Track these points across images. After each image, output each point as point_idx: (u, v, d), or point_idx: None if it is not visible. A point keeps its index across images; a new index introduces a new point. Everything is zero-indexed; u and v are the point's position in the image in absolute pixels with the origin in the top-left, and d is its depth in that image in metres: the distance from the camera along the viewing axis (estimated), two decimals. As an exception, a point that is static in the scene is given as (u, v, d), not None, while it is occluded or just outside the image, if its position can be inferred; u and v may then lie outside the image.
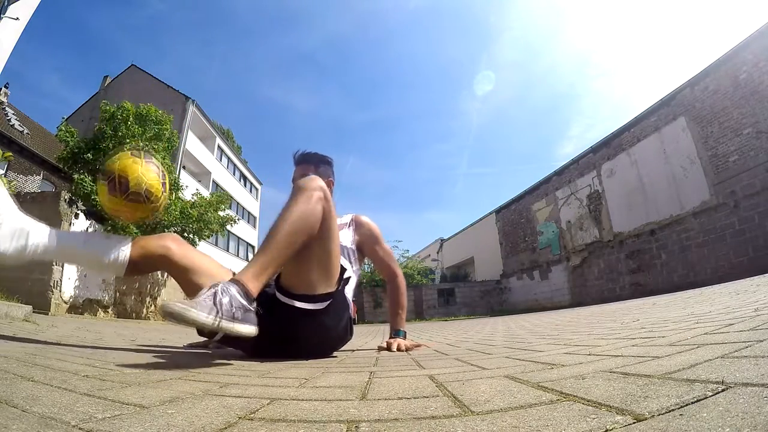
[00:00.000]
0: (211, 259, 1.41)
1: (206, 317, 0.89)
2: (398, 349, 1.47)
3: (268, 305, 1.18)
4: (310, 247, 1.19)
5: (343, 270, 1.29)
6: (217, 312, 0.91)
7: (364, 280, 17.35)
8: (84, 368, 0.86)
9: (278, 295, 1.23)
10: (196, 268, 1.30)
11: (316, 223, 1.14)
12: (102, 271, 1.00)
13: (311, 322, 1.22)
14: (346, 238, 1.61)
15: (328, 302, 1.23)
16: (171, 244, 1.29)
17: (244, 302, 0.98)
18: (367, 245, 1.71)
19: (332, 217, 1.23)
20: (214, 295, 0.93)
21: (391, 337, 1.65)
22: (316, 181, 1.20)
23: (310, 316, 1.21)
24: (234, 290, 0.97)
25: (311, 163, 1.65)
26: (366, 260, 1.82)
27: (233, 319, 0.93)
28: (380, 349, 1.59)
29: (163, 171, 1.20)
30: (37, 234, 1.12)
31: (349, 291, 1.46)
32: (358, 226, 1.70)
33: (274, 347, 1.24)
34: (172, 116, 11.87)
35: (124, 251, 1.21)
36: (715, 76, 9.25)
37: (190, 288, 1.29)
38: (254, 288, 1.02)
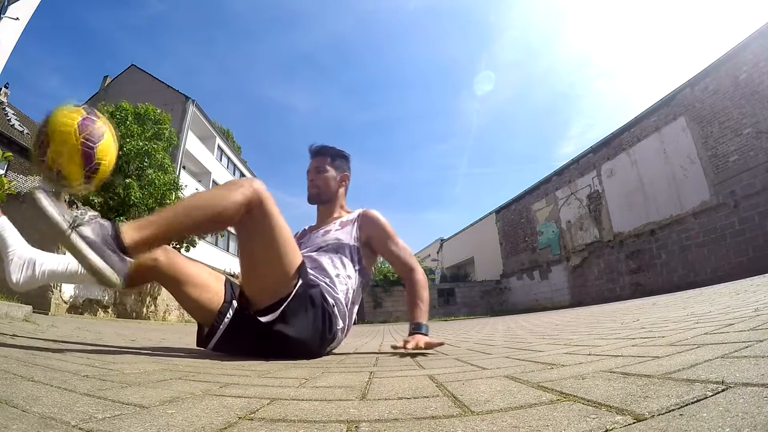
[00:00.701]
0: (203, 267, 1.36)
1: (60, 218, 0.84)
2: (417, 348, 1.24)
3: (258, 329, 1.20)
4: (251, 248, 1.18)
5: (299, 272, 1.23)
6: (74, 223, 0.85)
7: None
8: (84, 368, 0.85)
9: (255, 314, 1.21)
10: (186, 278, 1.26)
11: (226, 208, 1.08)
12: (104, 287, 1.03)
13: (274, 330, 1.18)
14: (347, 235, 1.50)
15: (285, 304, 1.18)
16: (159, 255, 1.23)
17: (110, 239, 0.91)
18: (376, 241, 1.54)
19: (269, 209, 1.16)
20: (81, 213, 0.89)
21: (410, 334, 1.37)
22: (250, 181, 1.17)
23: (270, 325, 1.18)
24: (104, 223, 0.93)
25: (327, 155, 1.62)
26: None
27: (87, 242, 0.87)
28: (395, 349, 1.32)
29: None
30: (43, 262, 1.25)
31: (348, 291, 1.43)
32: (364, 221, 1.55)
33: (267, 352, 1.25)
34: (171, 115, 11.85)
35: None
36: (715, 76, 9.25)
37: (184, 300, 1.27)
38: (129, 235, 0.95)
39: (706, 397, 0.43)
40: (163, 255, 1.25)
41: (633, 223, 11.39)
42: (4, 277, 1.25)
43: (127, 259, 0.95)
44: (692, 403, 0.42)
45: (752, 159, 8.29)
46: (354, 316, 1.53)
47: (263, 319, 1.18)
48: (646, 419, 0.39)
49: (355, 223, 1.54)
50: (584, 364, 0.77)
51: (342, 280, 1.41)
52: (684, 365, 0.62)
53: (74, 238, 0.86)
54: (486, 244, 19.36)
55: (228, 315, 1.27)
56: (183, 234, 1.15)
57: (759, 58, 8.35)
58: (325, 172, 1.61)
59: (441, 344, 1.30)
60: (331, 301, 1.33)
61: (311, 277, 1.31)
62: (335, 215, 1.64)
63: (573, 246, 13.77)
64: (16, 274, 1.24)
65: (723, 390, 0.45)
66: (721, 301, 2.32)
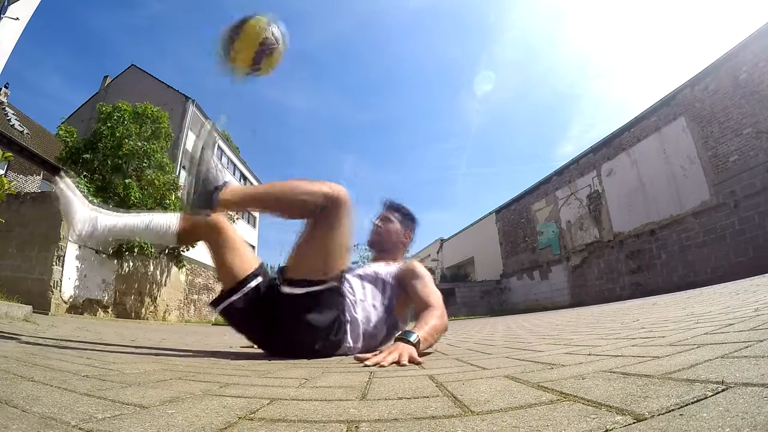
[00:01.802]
0: (245, 243, 1.46)
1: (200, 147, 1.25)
2: (395, 361, 1.01)
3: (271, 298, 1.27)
4: (311, 233, 1.27)
5: (340, 276, 1.31)
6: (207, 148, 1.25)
7: None
8: (84, 368, 0.85)
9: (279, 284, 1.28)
10: (235, 245, 1.38)
11: (309, 199, 1.24)
12: (158, 242, 1.54)
13: (291, 307, 1.24)
14: (385, 271, 1.53)
15: (314, 288, 1.24)
16: (222, 216, 1.39)
17: (212, 186, 1.23)
18: (408, 278, 1.50)
19: (342, 213, 1.27)
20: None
21: (395, 340, 1.19)
22: (339, 186, 1.28)
23: (291, 300, 1.24)
24: (219, 173, 1.25)
25: (398, 211, 1.73)
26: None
27: (203, 172, 1.22)
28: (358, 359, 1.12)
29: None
30: (103, 220, 1.41)
31: (369, 319, 1.41)
32: (405, 264, 1.58)
33: (269, 338, 1.31)
34: (168, 113, 11.84)
35: (173, 225, 1.38)
36: (715, 76, 9.25)
37: (219, 259, 1.36)
38: (226, 193, 1.24)
39: (706, 397, 0.43)
40: (225, 218, 1.40)
41: (633, 223, 11.38)
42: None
43: (209, 210, 1.23)
44: (692, 403, 0.42)
45: (752, 159, 8.29)
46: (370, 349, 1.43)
47: (286, 289, 1.25)
48: (646, 419, 0.39)
49: (397, 266, 1.59)
50: (584, 364, 0.77)
51: (365, 306, 1.42)
52: (684, 365, 0.62)
53: (205, 155, 1.21)
54: (486, 244, 19.35)
55: (249, 286, 1.32)
56: (263, 210, 1.35)
57: (759, 58, 8.35)
58: (391, 223, 1.69)
59: (419, 363, 1.03)
60: (347, 316, 1.36)
61: (345, 289, 1.38)
62: None
63: (573, 246, 13.77)
64: (80, 226, 1.39)
65: (723, 390, 0.45)
66: (721, 301, 2.32)
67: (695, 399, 0.43)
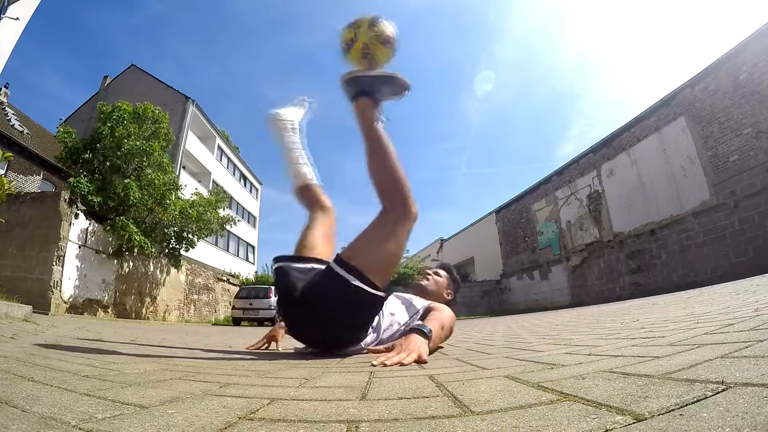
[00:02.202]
0: (333, 241, 1.64)
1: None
2: (408, 357, 1.04)
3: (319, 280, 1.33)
4: (381, 230, 1.34)
5: (387, 287, 1.37)
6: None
7: None
8: (84, 368, 0.86)
9: (331, 263, 1.34)
10: (329, 232, 1.62)
11: (405, 187, 1.38)
12: (289, 177, 1.74)
13: (335, 288, 1.27)
14: (420, 302, 1.63)
15: (349, 277, 1.26)
16: (327, 202, 1.71)
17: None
18: (431, 310, 1.57)
19: (408, 227, 1.36)
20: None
21: (408, 331, 1.23)
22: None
23: (338, 282, 1.26)
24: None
25: (449, 273, 1.95)
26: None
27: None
28: (371, 351, 1.28)
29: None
30: (291, 135, 1.76)
31: (391, 331, 1.47)
32: (436, 304, 1.64)
33: (296, 311, 1.36)
34: (168, 113, 11.84)
35: (301, 180, 1.72)
36: (715, 76, 9.25)
37: (311, 236, 1.56)
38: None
39: (706, 397, 0.43)
40: (328, 203, 1.70)
41: (633, 223, 11.39)
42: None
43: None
44: (692, 403, 0.42)
45: (752, 159, 8.29)
46: None
47: (334, 264, 1.30)
48: (646, 419, 0.39)
49: (430, 303, 1.66)
50: (584, 364, 0.77)
51: (393, 320, 1.50)
52: (684, 365, 0.62)
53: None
54: (486, 244, 19.35)
55: (314, 266, 1.41)
56: (376, 155, 1.42)
57: (759, 58, 8.35)
58: (440, 278, 1.90)
59: (425, 363, 1.05)
60: (375, 322, 1.44)
61: (386, 304, 1.47)
62: None
63: (573, 246, 13.77)
64: (286, 114, 1.78)
65: (723, 390, 0.45)
66: (721, 301, 2.32)
67: (695, 399, 0.43)
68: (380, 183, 1.38)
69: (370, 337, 1.43)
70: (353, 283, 1.26)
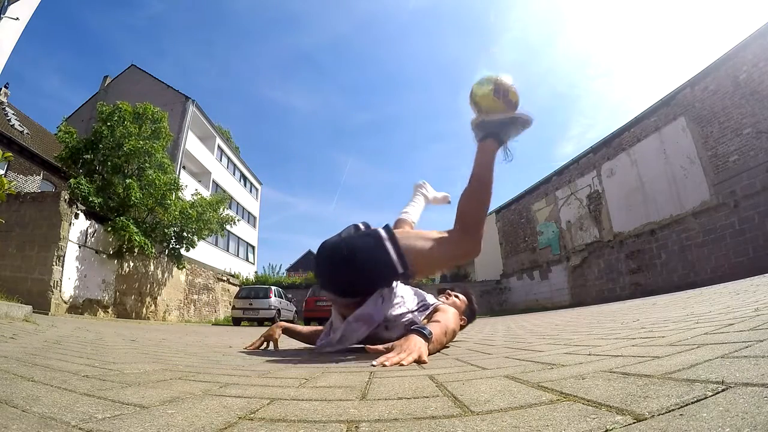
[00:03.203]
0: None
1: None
2: (407, 357, 1.04)
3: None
4: (446, 244, 1.48)
5: (407, 272, 1.46)
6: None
7: None
8: (84, 368, 0.86)
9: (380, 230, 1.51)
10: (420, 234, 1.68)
11: (480, 223, 1.54)
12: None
13: (370, 244, 1.45)
14: (433, 299, 1.74)
15: (393, 251, 1.42)
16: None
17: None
18: (439, 310, 1.66)
19: (460, 257, 1.55)
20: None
21: (408, 331, 1.28)
22: (478, 250, 1.55)
23: (377, 241, 1.45)
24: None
25: (469, 301, 2.05)
26: None
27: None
28: (369, 350, 1.24)
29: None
30: (419, 197, 2.18)
31: (402, 313, 1.52)
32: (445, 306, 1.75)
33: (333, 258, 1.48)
34: (168, 113, 11.85)
35: (405, 216, 2.04)
36: (715, 76, 9.25)
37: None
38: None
39: (706, 397, 0.43)
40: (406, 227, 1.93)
41: (633, 223, 11.39)
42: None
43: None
44: (692, 403, 0.42)
45: (752, 159, 8.30)
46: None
47: (381, 229, 1.49)
48: (646, 419, 0.39)
49: (441, 302, 1.78)
50: (584, 364, 0.77)
51: (402, 303, 1.57)
52: (684, 365, 0.62)
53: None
54: (486, 244, 19.25)
55: (384, 234, 1.50)
56: (478, 183, 1.56)
57: (759, 58, 8.35)
58: (459, 302, 1.98)
59: (425, 363, 1.05)
60: (391, 291, 1.54)
61: (399, 287, 1.59)
62: None
63: (573, 246, 13.77)
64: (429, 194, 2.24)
65: (723, 390, 0.45)
66: (721, 301, 2.32)
67: (695, 399, 0.43)
68: (470, 215, 1.51)
69: (384, 304, 1.49)
70: (386, 243, 1.44)
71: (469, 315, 2.00)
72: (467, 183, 1.56)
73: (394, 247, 1.44)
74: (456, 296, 2.00)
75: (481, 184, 1.53)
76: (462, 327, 1.90)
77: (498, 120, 1.54)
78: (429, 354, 1.17)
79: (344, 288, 1.50)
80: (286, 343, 2.22)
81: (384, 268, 1.43)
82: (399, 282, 1.56)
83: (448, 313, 1.55)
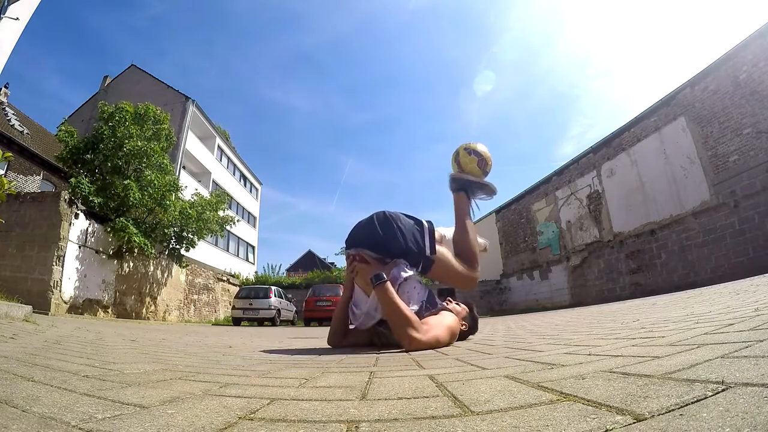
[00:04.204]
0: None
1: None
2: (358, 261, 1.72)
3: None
4: (453, 260, 1.91)
5: (421, 256, 1.77)
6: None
7: None
8: (84, 368, 0.86)
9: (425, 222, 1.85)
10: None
11: (473, 266, 2.07)
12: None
13: (413, 222, 1.81)
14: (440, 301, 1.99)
15: (427, 235, 1.78)
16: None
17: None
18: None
19: (463, 285, 2.05)
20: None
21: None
22: (476, 282, 2.12)
23: (419, 223, 1.81)
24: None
25: (470, 312, 2.17)
26: None
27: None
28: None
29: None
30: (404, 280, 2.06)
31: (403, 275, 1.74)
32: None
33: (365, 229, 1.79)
34: (170, 115, 11.85)
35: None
36: (715, 76, 9.25)
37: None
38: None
39: (706, 397, 0.43)
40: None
41: (633, 223, 11.39)
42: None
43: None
44: (692, 403, 0.42)
45: (752, 159, 8.29)
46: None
47: (427, 226, 1.82)
48: (646, 419, 0.39)
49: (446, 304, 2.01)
50: (584, 364, 0.77)
51: (414, 288, 1.81)
52: (684, 365, 0.62)
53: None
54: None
55: (426, 224, 1.84)
56: (462, 235, 2.13)
57: (759, 58, 8.35)
58: (460, 309, 2.09)
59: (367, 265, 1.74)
60: (407, 272, 1.78)
61: (415, 275, 1.82)
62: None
63: (573, 246, 13.77)
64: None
65: (723, 390, 0.44)
66: (721, 301, 2.32)
67: (695, 399, 0.43)
68: (461, 249, 2.02)
69: (402, 268, 1.73)
70: (425, 229, 1.79)
71: (471, 323, 2.08)
72: (455, 226, 2.09)
73: (429, 235, 1.79)
74: (457, 303, 2.10)
75: (461, 227, 2.07)
76: (464, 333, 1.97)
77: (474, 180, 2.08)
78: (424, 349, 1.49)
79: (378, 242, 1.75)
80: (287, 343, 2.22)
81: (416, 243, 1.74)
82: (417, 274, 1.81)
83: (446, 318, 1.73)
